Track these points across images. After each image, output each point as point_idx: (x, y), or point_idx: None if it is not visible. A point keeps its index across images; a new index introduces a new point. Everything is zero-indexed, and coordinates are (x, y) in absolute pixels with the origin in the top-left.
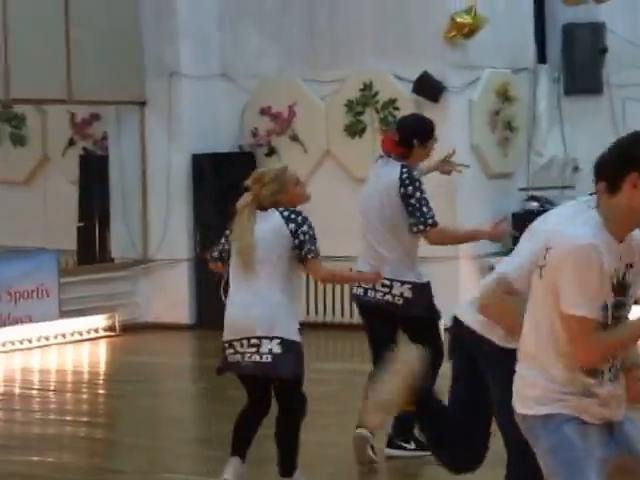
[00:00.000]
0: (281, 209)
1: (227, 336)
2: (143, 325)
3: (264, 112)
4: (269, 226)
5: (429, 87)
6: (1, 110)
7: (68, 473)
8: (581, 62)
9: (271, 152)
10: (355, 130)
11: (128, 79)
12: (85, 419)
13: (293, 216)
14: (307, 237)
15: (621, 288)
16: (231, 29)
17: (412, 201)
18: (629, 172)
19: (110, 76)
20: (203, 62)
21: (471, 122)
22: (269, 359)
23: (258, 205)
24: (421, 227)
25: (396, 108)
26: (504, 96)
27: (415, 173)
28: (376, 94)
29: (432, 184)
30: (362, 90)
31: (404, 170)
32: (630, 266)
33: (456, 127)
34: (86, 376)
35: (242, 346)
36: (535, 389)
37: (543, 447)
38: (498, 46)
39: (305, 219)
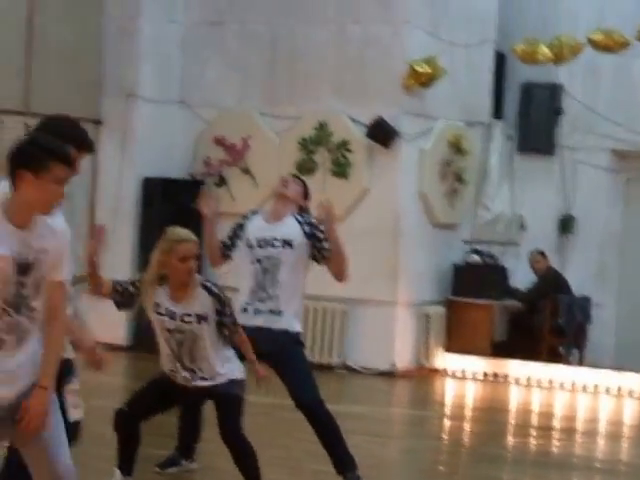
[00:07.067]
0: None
1: None
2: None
3: (218, 142)
4: None
5: (382, 132)
6: None
7: None
8: (536, 122)
9: (221, 182)
10: (306, 168)
11: (86, 96)
12: None
13: None
14: None
15: (23, 269)
16: (193, 55)
17: None
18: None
19: (68, 91)
20: (162, 86)
21: (421, 170)
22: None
23: None
24: None
25: (348, 150)
26: (456, 148)
27: None
28: (330, 134)
29: (377, 227)
30: (317, 129)
31: None
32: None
33: (406, 174)
34: None
35: None
36: None
37: None
38: (454, 98)
39: None
